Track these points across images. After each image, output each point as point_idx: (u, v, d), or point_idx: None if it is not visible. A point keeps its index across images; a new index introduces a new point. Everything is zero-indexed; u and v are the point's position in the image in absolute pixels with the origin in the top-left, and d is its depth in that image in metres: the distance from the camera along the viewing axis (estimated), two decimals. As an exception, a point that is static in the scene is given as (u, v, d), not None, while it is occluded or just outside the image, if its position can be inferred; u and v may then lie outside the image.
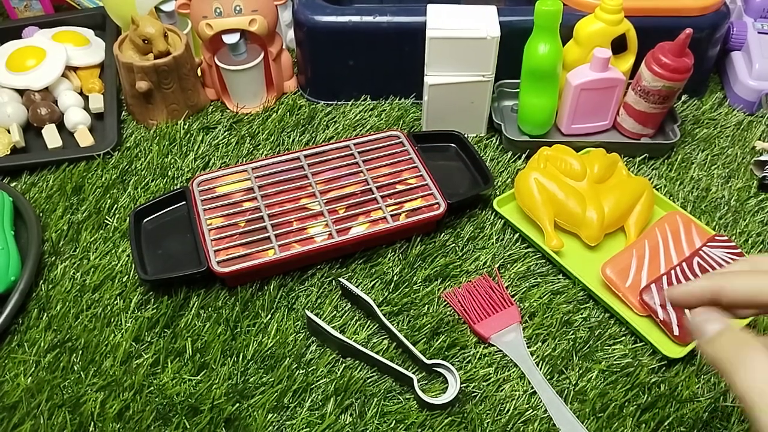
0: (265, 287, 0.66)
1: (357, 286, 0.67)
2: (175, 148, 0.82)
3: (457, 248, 0.70)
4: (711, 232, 0.69)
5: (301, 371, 0.60)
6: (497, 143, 0.83)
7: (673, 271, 0.64)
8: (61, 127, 0.85)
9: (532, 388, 0.59)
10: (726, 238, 0.67)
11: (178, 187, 0.75)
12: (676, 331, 0.60)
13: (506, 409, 0.57)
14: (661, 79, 0.74)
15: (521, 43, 0.76)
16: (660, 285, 0.62)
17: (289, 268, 0.68)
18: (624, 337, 0.63)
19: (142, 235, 0.70)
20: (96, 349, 0.61)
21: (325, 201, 0.71)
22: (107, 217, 0.74)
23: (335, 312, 0.65)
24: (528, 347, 0.62)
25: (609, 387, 0.59)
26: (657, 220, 0.70)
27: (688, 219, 0.70)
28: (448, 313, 0.65)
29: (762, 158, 0.78)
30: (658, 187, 0.77)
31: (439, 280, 0.67)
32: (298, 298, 0.66)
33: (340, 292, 0.66)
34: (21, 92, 0.88)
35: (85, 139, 0.83)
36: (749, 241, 0.71)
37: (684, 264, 0.64)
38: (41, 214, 0.74)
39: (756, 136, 0.84)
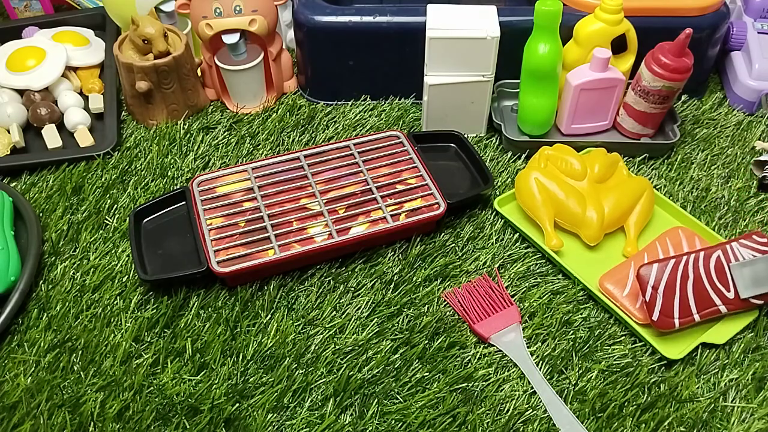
0: (265, 287, 0.66)
1: (357, 286, 0.67)
2: (175, 148, 0.82)
3: (457, 248, 0.70)
4: (717, 240, 0.69)
5: (301, 371, 0.60)
6: (497, 143, 0.83)
7: (685, 257, 0.62)
8: (61, 127, 0.85)
9: (532, 388, 0.59)
10: (765, 240, 0.63)
11: (178, 187, 0.75)
12: (655, 316, 0.60)
13: (506, 409, 0.57)
14: (661, 79, 0.74)
15: (521, 43, 0.76)
16: (663, 267, 0.61)
17: (289, 268, 0.68)
18: (624, 337, 0.63)
19: (142, 235, 0.70)
20: (96, 349, 0.61)
21: (325, 201, 0.71)
22: (107, 217, 0.74)
23: (335, 312, 0.65)
24: (528, 347, 0.62)
25: (609, 387, 0.59)
26: (659, 234, 0.69)
27: (691, 233, 0.68)
28: (448, 313, 0.65)
29: (762, 158, 0.78)
30: (658, 187, 0.77)
31: (439, 280, 0.67)
32: (297, 298, 0.66)
33: (339, 291, 0.66)
34: (21, 92, 0.88)
35: (85, 139, 0.83)
36: (749, 241, 0.71)
37: (702, 254, 0.62)
38: (41, 214, 0.74)
39: (756, 136, 0.84)
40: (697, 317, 0.60)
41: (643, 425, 0.56)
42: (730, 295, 0.61)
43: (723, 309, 0.61)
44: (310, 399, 0.58)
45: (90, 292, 0.66)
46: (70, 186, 0.77)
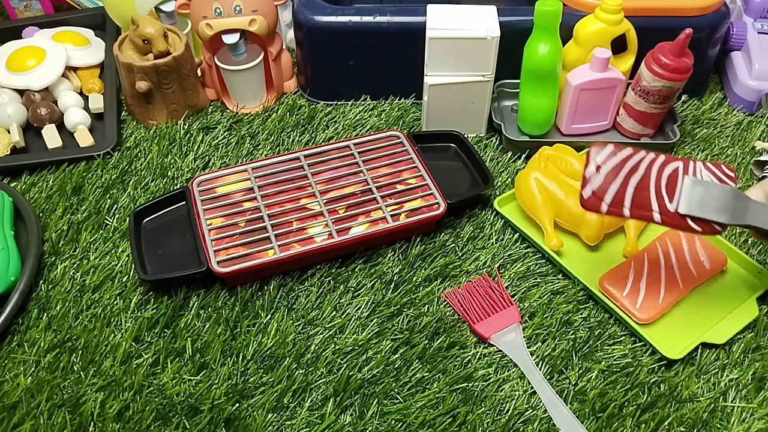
0: (265, 287, 0.66)
1: (357, 286, 0.67)
2: (175, 148, 0.82)
3: (457, 248, 0.70)
4: (717, 244, 0.68)
5: (301, 371, 0.60)
6: (497, 143, 0.83)
7: (644, 153, 0.57)
8: (61, 127, 0.85)
9: (532, 388, 0.59)
10: (733, 175, 0.57)
11: (178, 187, 0.75)
12: (586, 193, 0.56)
13: (506, 409, 0.57)
14: (661, 79, 0.74)
15: (521, 43, 0.76)
16: (616, 152, 0.57)
17: (289, 268, 0.68)
18: (624, 337, 0.63)
19: (142, 235, 0.70)
20: (96, 349, 0.61)
21: (325, 201, 0.71)
22: (107, 217, 0.74)
23: (335, 312, 0.65)
24: (528, 347, 0.62)
25: (609, 387, 0.59)
26: (659, 234, 0.69)
27: (691, 234, 0.68)
28: (448, 313, 0.65)
29: (762, 158, 0.78)
30: (658, 187, 0.77)
31: (439, 280, 0.67)
32: (297, 298, 0.66)
33: (339, 291, 0.66)
34: (21, 92, 0.88)
35: (85, 139, 0.83)
36: (749, 241, 0.71)
37: (662, 157, 0.57)
38: (41, 214, 0.74)
39: (756, 136, 0.84)
40: (627, 212, 0.56)
41: (643, 425, 0.56)
42: (671, 206, 0.56)
43: (657, 217, 0.56)
44: (310, 399, 0.58)
45: (90, 292, 0.66)
46: (70, 186, 0.77)
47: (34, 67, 0.88)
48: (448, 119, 0.82)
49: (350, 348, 0.62)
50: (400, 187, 0.72)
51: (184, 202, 0.72)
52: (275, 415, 0.57)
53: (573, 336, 0.63)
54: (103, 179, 0.78)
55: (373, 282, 0.67)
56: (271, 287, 0.66)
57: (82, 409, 0.57)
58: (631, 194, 0.56)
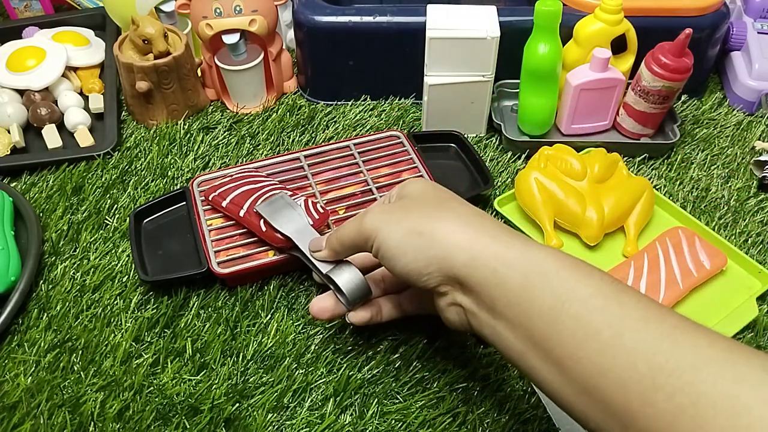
0: (265, 287, 0.66)
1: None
2: (175, 148, 0.82)
3: (457, 248, 0.70)
4: (717, 244, 0.69)
5: (301, 371, 0.60)
6: (497, 143, 0.83)
7: (274, 182, 0.68)
8: (61, 127, 0.85)
9: (532, 387, 0.59)
10: (318, 216, 0.64)
11: (178, 187, 0.75)
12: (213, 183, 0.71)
13: (506, 409, 0.57)
14: (661, 79, 0.74)
15: (521, 43, 0.76)
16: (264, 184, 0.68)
17: (289, 268, 0.68)
18: (624, 337, 0.63)
19: (142, 235, 0.70)
20: (96, 349, 0.61)
21: (325, 201, 0.71)
22: (107, 217, 0.74)
23: (335, 312, 0.65)
24: (528, 347, 0.61)
25: (609, 387, 0.59)
26: (659, 234, 0.69)
27: (691, 233, 0.68)
28: (448, 313, 0.65)
29: (762, 158, 0.78)
30: (657, 187, 0.77)
31: (439, 280, 0.67)
32: (298, 298, 0.66)
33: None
34: (21, 92, 0.88)
35: (85, 139, 0.83)
36: (749, 241, 0.71)
37: (276, 188, 0.67)
38: (41, 214, 0.75)
39: (756, 136, 0.84)
40: (224, 203, 0.67)
41: (643, 425, 0.56)
42: (256, 208, 0.64)
43: (241, 212, 0.65)
44: (310, 399, 0.58)
45: (90, 292, 0.66)
46: (70, 186, 0.77)
47: (34, 67, 0.88)
48: (448, 119, 0.82)
49: (350, 348, 0.62)
50: (400, 187, 0.72)
51: (184, 203, 0.72)
52: (275, 415, 0.57)
53: (573, 336, 0.62)
54: (103, 179, 0.78)
55: (373, 282, 0.67)
56: (271, 287, 0.66)
57: (82, 409, 0.57)
58: (236, 194, 0.66)
